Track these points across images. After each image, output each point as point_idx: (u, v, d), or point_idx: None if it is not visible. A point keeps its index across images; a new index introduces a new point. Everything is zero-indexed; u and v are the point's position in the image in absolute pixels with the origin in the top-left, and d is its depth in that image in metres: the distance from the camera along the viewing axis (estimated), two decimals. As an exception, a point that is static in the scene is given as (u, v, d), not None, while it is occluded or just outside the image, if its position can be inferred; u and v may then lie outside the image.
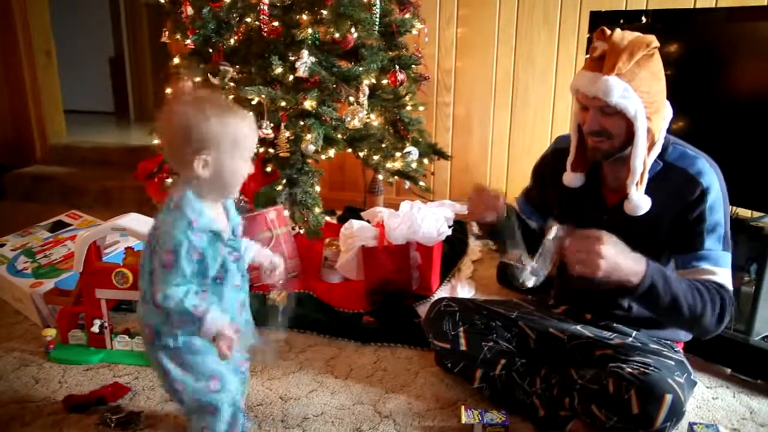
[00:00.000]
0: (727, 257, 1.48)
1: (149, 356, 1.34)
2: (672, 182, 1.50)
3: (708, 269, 1.45)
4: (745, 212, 2.06)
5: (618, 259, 1.34)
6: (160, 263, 1.22)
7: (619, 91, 1.39)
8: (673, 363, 1.50)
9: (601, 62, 1.42)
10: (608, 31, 1.42)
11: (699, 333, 1.50)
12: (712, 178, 1.48)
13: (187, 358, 1.30)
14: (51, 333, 1.94)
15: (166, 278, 1.21)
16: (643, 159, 1.45)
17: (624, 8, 2.88)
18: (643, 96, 1.41)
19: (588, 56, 1.50)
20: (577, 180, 1.63)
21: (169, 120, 1.24)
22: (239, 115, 1.26)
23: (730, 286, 1.46)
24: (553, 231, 1.43)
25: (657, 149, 1.48)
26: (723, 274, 1.46)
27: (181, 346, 1.29)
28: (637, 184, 1.47)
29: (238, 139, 1.24)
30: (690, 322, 1.44)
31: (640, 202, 1.48)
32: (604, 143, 1.49)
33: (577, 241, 1.36)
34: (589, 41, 2.27)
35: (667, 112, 1.51)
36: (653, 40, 1.41)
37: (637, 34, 1.42)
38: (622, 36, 1.40)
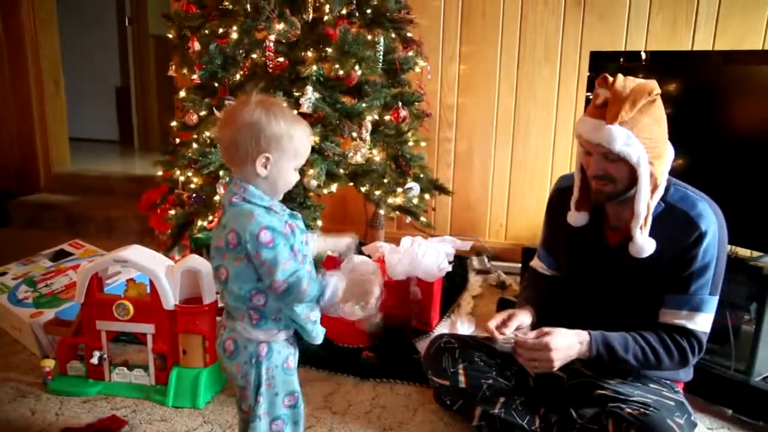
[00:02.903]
0: (711, 302, 1.50)
1: (243, 370, 1.33)
2: (672, 223, 1.51)
3: (685, 314, 1.49)
4: (744, 252, 2.07)
5: (567, 354, 1.50)
6: (259, 248, 1.22)
7: (622, 139, 1.40)
8: (673, 403, 1.50)
9: (603, 109, 1.44)
10: (610, 79, 1.44)
11: (663, 370, 1.59)
12: (711, 221, 1.49)
13: (278, 374, 1.33)
14: (50, 364, 1.94)
15: (274, 258, 1.22)
16: (646, 203, 1.47)
17: (623, 49, 2.94)
18: (646, 142, 1.42)
19: (590, 102, 1.51)
20: (582, 219, 1.64)
21: (238, 115, 1.26)
22: (304, 126, 1.31)
23: (704, 329, 1.50)
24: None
25: (660, 192, 1.50)
26: (700, 320, 1.49)
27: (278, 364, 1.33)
28: (641, 227, 1.48)
29: (300, 147, 1.29)
30: (648, 368, 1.56)
31: (644, 245, 1.49)
32: (608, 186, 1.50)
33: (528, 352, 1.51)
34: (590, 80, 2.33)
35: (668, 155, 1.53)
36: (655, 87, 1.42)
37: (638, 80, 1.44)
38: (624, 84, 1.42)
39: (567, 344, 1.49)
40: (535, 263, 1.87)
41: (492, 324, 1.61)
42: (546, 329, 1.51)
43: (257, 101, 1.27)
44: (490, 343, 1.65)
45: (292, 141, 1.27)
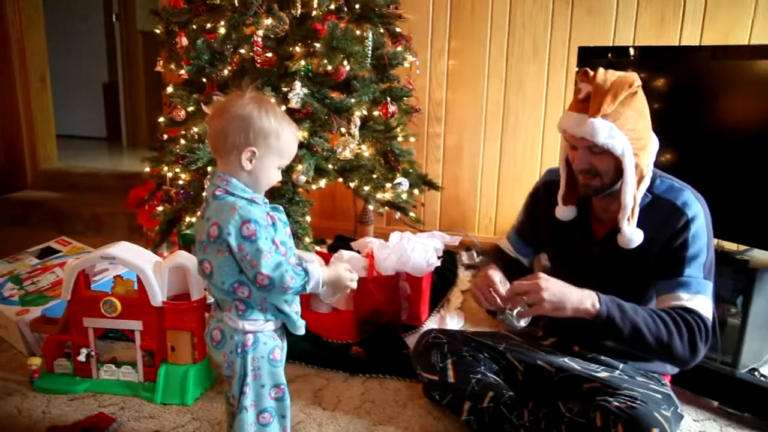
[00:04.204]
0: (707, 285, 1.50)
1: (229, 359, 1.34)
2: (659, 214, 1.52)
3: (685, 296, 1.48)
4: (730, 245, 2.08)
5: (563, 292, 1.44)
6: (241, 241, 1.23)
7: (606, 131, 1.42)
8: (660, 396, 1.51)
9: (586, 104, 1.45)
10: (591, 73, 1.46)
11: (676, 362, 1.54)
12: (697, 208, 1.51)
13: (264, 366, 1.34)
14: (36, 362, 1.93)
15: (257, 251, 1.23)
16: (633, 194, 1.48)
17: (612, 44, 2.95)
18: (629, 134, 1.44)
19: (573, 97, 1.53)
20: (569, 213, 1.65)
21: (230, 107, 1.28)
22: (293, 127, 1.33)
23: (706, 313, 1.47)
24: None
25: (646, 183, 1.51)
26: (700, 302, 1.48)
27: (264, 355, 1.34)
28: (628, 219, 1.49)
29: (286, 147, 1.32)
30: (659, 351, 1.47)
31: (633, 235, 1.50)
32: (595, 180, 1.52)
33: (520, 286, 1.47)
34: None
35: (653, 146, 1.54)
36: (636, 79, 1.44)
37: (619, 73, 1.45)
38: (604, 77, 1.44)
39: (562, 285, 1.45)
40: (503, 243, 1.89)
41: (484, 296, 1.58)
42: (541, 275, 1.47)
43: (251, 96, 1.29)
44: (499, 317, 1.56)
45: (280, 139, 1.29)
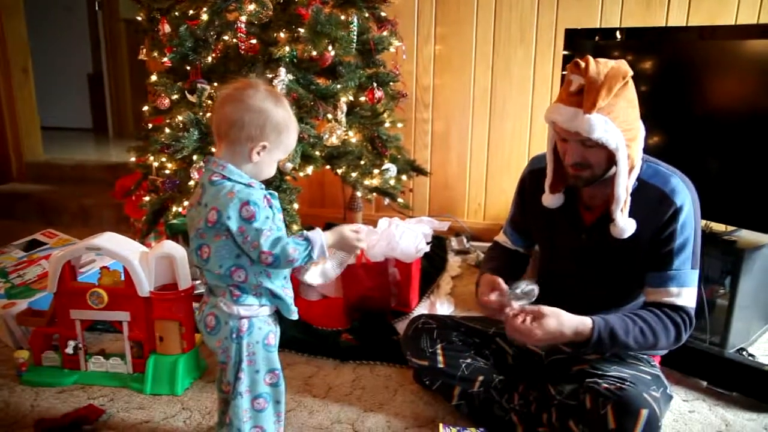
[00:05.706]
0: (693, 275, 1.50)
1: (224, 345, 1.35)
2: (646, 200, 1.51)
3: (674, 291, 1.49)
4: (719, 226, 2.09)
5: (554, 336, 1.45)
6: (242, 223, 1.24)
7: (601, 126, 1.38)
8: (649, 377, 1.51)
9: (578, 97, 1.40)
10: (583, 64, 1.40)
11: (658, 351, 1.61)
12: (684, 195, 1.49)
13: (259, 351, 1.35)
14: (23, 355, 1.91)
15: (257, 231, 1.24)
16: (625, 186, 1.46)
17: (599, 26, 2.93)
18: (622, 125, 1.40)
19: (563, 88, 1.48)
20: (557, 200, 1.63)
21: (248, 98, 1.28)
22: (296, 121, 1.35)
23: (692, 304, 1.50)
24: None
25: (636, 172, 1.49)
26: (687, 294, 1.49)
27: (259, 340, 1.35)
28: (621, 209, 1.48)
29: (291, 143, 1.35)
30: (643, 351, 1.57)
31: (626, 226, 1.48)
32: (585, 172, 1.49)
33: (517, 326, 1.46)
34: (565, 58, 2.32)
35: (642, 135, 1.51)
36: (628, 70, 1.40)
37: (611, 64, 1.40)
38: (597, 70, 1.39)
39: (552, 332, 1.44)
40: (500, 238, 1.87)
41: (493, 297, 1.56)
42: (546, 311, 1.45)
43: (267, 89, 1.31)
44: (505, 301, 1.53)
45: (289, 135, 1.32)
